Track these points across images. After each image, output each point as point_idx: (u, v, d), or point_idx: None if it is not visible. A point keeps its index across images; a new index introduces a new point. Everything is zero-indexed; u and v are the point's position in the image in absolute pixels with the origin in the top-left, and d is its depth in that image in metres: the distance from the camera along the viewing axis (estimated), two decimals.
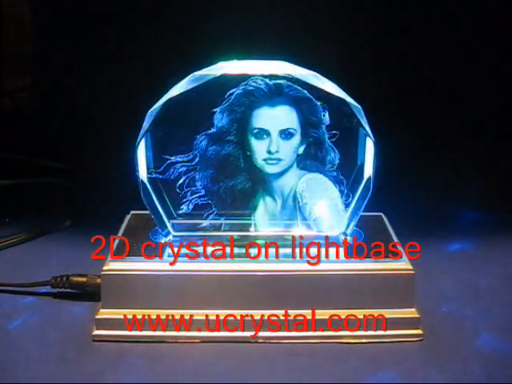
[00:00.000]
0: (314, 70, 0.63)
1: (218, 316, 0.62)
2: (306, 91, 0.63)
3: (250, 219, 0.67)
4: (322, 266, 0.63)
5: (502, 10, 1.15)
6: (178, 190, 0.66)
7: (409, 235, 0.72)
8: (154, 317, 0.62)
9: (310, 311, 0.63)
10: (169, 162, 0.65)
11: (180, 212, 0.66)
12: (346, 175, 0.65)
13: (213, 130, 0.65)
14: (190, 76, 0.63)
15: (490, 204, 0.95)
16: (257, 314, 0.63)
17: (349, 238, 0.67)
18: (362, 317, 0.63)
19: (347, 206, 0.66)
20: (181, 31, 1.16)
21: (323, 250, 0.66)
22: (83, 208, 0.92)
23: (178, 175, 0.66)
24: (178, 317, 0.62)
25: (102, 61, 1.17)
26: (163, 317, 0.62)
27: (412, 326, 0.63)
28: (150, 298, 0.63)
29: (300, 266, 0.63)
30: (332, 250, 0.66)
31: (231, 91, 0.64)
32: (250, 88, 0.63)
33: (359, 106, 0.63)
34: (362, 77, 1.12)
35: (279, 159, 0.65)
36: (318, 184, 0.66)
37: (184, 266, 0.63)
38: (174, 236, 0.66)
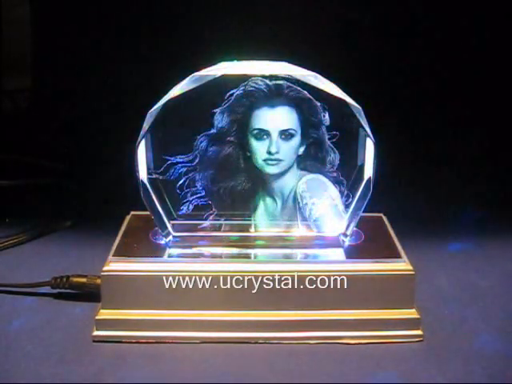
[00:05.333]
0: (314, 71, 0.63)
1: (217, 316, 0.62)
2: (306, 92, 0.63)
3: (250, 220, 0.67)
4: (322, 266, 0.63)
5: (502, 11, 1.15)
6: (178, 191, 0.66)
7: (409, 235, 0.72)
8: (154, 317, 0.62)
9: (310, 311, 0.63)
10: (169, 162, 0.65)
11: (180, 212, 0.66)
12: (346, 176, 0.65)
13: (213, 130, 0.65)
14: (190, 76, 0.63)
15: (491, 204, 0.95)
16: (257, 314, 0.63)
17: (349, 239, 0.67)
18: (362, 317, 0.63)
19: (347, 206, 0.66)
20: (181, 31, 1.16)
21: (323, 251, 0.66)
22: (83, 208, 0.92)
23: (178, 176, 0.65)
24: (177, 317, 0.63)
25: (102, 61, 1.17)
26: (163, 317, 0.62)
27: (412, 327, 0.63)
28: (150, 298, 0.63)
29: (300, 267, 0.63)
30: (332, 251, 0.66)
31: (231, 92, 0.63)
32: (250, 89, 0.63)
33: (359, 107, 0.63)
34: (362, 77, 1.12)
35: (279, 160, 0.65)
36: (318, 185, 0.66)
37: (184, 266, 0.63)
38: (174, 236, 0.66)
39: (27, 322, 0.65)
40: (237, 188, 0.66)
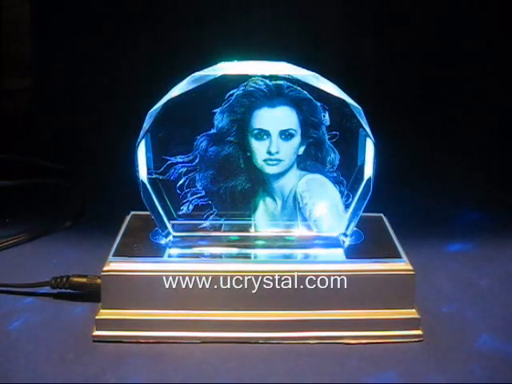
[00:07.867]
0: (314, 71, 0.63)
1: (217, 316, 0.62)
2: (306, 92, 0.63)
3: (250, 220, 0.67)
4: (322, 266, 0.63)
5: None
6: (178, 191, 0.66)
7: (409, 235, 0.72)
8: (154, 317, 0.62)
9: (310, 311, 0.63)
10: (169, 162, 0.65)
11: (180, 213, 0.66)
12: (346, 176, 0.65)
13: (213, 130, 0.65)
14: (190, 76, 0.63)
15: (490, 204, 0.95)
16: (257, 314, 0.63)
17: (349, 239, 0.67)
18: (361, 317, 0.63)
19: (347, 206, 0.66)
20: (181, 31, 1.16)
21: (323, 251, 0.66)
22: (83, 208, 0.92)
23: (178, 176, 0.66)
24: (178, 317, 0.62)
25: (101, 61, 1.17)
26: (163, 317, 0.62)
27: (412, 327, 0.63)
28: (150, 298, 0.63)
29: (300, 267, 0.63)
30: (332, 251, 0.66)
31: (231, 92, 0.63)
32: (250, 89, 0.63)
33: (359, 107, 0.63)
34: (362, 77, 1.13)
35: (279, 160, 0.65)
36: (318, 185, 0.66)
37: (184, 266, 0.63)
38: (174, 236, 0.66)
39: (27, 322, 0.65)
40: (237, 188, 0.66)
